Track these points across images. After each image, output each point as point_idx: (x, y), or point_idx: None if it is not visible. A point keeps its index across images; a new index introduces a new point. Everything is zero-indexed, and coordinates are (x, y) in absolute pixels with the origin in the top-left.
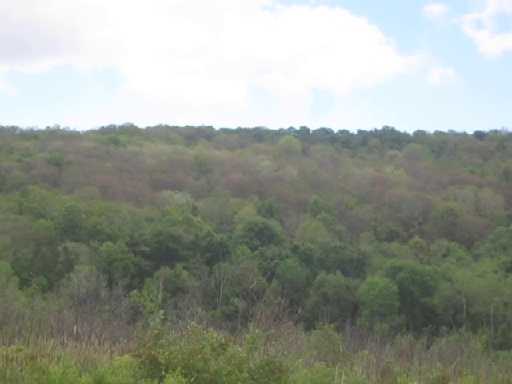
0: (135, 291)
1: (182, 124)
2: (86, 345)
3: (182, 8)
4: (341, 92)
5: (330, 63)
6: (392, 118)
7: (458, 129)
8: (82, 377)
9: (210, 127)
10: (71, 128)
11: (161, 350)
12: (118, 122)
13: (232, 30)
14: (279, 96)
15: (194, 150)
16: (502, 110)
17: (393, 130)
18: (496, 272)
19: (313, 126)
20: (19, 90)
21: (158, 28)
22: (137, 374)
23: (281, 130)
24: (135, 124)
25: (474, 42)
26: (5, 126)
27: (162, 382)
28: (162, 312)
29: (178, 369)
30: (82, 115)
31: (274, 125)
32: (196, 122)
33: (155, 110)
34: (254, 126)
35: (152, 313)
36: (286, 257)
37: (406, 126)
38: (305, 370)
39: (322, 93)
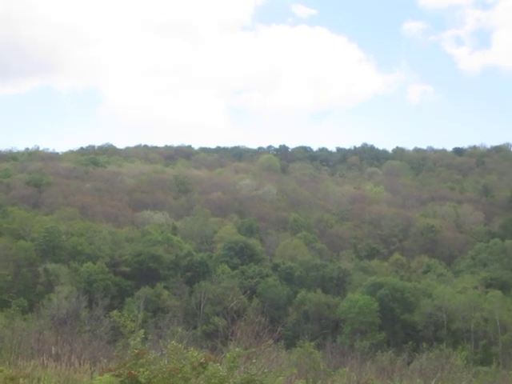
0: (116, 311)
1: (161, 144)
2: (67, 365)
3: (162, 27)
4: (320, 110)
5: (310, 82)
6: (371, 136)
7: (437, 145)
8: None
9: (189, 147)
10: (50, 149)
11: (141, 370)
12: (97, 142)
13: (211, 50)
14: (258, 115)
15: (174, 169)
16: (481, 126)
17: (372, 148)
18: (476, 288)
19: (292, 145)
20: None
21: (137, 48)
22: None
23: (260, 148)
24: (114, 144)
25: (454, 59)
26: None
27: None
28: (142, 331)
29: None
30: (61, 136)
31: (253, 144)
32: (175, 141)
33: (134, 130)
34: (233, 145)
35: (132, 332)
36: (267, 275)
37: (385, 143)
38: None
39: (301, 111)
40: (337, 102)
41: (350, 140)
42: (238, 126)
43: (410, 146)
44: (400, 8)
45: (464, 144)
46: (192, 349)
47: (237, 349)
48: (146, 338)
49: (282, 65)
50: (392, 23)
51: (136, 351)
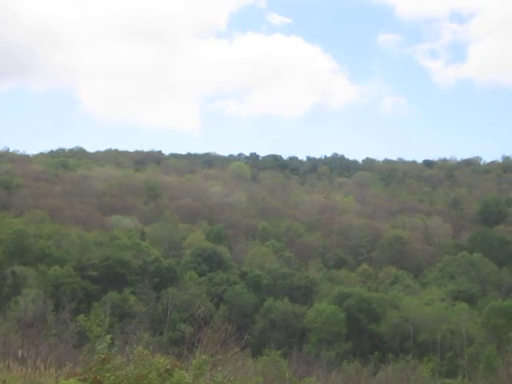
0: (82, 315)
1: (131, 148)
2: (32, 369)
3: (137, 32)
4: (292, 119)
5: (283, 90)
6: (342, 146)
7: (408, 157)
8: None
9: (160, 152)
10: (20, 151)
11: (107, 375)
12: (68, 145)
13: (186, 55)
14: (230, 122)
15: (144, 174)
16: (452, 139)
17: (342, 158)
18: (443, 300)
19: (262, 153)
20: None
21: (111, 53)
22: None
23: (231, 155)
24: (84, 148)
25: (428, 72)
26: None
27: None
28: (109, 337)
29: None
30: (32, 138)
31: (224, 151)
32: (146, 146)
33: (105, 134)
34: (204, 152)
35: (99, 337)
36: (234, 283)
37: (356, 153)
38: None
39: (273, 119)
40: (309, 111)
41: (320, 149)
42: (209, 133)
43: (380, 157)
44: (375, 20)
45: (434, 156)
46: (158, 355)
47: (203, 356)
48: (112, 343)
49: (256, 73)
50: (367, 34)
51: (102, 356)
